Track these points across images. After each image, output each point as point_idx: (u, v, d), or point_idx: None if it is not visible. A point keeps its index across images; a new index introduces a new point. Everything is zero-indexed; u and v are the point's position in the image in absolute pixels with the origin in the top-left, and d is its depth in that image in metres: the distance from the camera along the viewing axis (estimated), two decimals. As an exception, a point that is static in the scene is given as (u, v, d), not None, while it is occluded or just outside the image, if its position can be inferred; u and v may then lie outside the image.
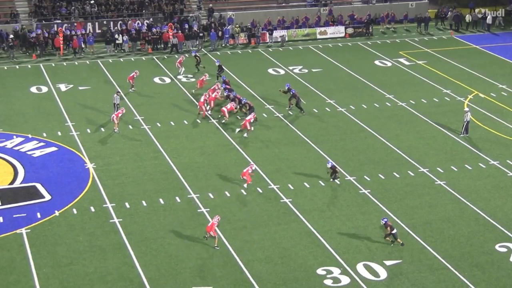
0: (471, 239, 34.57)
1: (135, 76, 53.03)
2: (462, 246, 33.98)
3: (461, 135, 45.92)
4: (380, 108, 50.80)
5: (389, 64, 61.01)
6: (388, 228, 33.70)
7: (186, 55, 62.36)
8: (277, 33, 66.78)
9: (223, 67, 55.65)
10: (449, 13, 72.29)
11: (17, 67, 59.08)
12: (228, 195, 38.34)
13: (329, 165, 39.82)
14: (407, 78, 57.43)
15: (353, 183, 39.88)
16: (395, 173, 41.05)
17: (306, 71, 58.61)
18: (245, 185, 38.79)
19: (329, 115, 49.38)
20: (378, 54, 63.50)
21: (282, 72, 58.70)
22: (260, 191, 38.75)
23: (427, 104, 51.42)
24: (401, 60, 61.83)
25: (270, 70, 59.04)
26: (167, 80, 56.09)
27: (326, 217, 36.39)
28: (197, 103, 49.50)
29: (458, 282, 31.34)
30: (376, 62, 61.55)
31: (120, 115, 45.93)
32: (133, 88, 52.82)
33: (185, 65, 57.24)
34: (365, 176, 40.60)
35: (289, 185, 39.39)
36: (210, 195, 38.39)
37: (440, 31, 71.05)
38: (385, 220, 34.08)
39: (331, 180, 39.69)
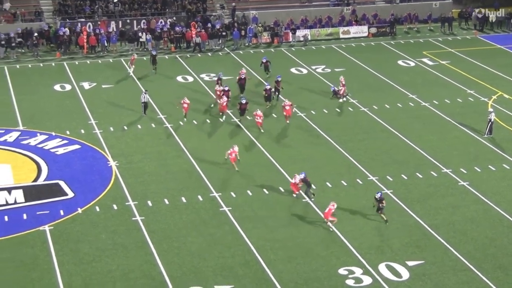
0: (494, 241, 34.33)
1: (184, 104, 47.57)
2: (485, 248, 33.76)
3: (485, 136, 45.63)
4: (403, 108, 50.59)
5: (412, 64, 60.73)
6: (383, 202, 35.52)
7: (209, 53, 62.48)
8: (300, 33, 66.68)
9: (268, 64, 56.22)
10: (473, 13, 71.83)
11: (41, 65, 59.42)
12: (250, 194, 38.32)
13: (301, 176, 37.86)
14: (430, 78, 57.15)
15: (375, 183, 39.73)
16: (418, 174, 40.86)
17: (329, 70, 58.47)
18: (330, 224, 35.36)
19: (352, 114, 49.24)
20: (401, 54, 63.23)
21: (305, 71, 58.61)
22: (282, 190, 38.68)
23: (450, 105, 51.14)
24: (425, 60, 61.52)
25: (293, 70, 58.97)
26: (190, 79, 56.17)
27: (348, 217, 36.26)
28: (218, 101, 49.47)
29: (481, 283, 31.13)
30: (399, 62, 61.30)
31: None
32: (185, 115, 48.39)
33: (208, 64, 57.22)
34: (387, 176, 40.44)
35: (312, 185, 39.27)
36: (232, 194, 38.40)
37: (464, 31, 70.64)
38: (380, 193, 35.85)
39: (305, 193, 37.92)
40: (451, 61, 60.97)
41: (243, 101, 47.46)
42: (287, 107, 47.00)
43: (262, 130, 45.63)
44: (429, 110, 50.25)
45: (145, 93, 48.64)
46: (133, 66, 56.78)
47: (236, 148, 40.76)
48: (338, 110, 49.81)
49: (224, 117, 47.92)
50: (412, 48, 65.05)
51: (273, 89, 50.49)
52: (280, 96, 51.03)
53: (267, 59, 56.28)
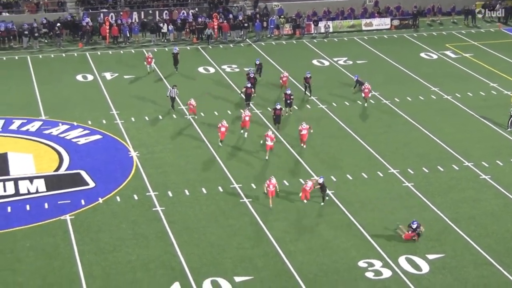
0: (515, 235, 34.18)
1: (222, 128, 42.90)
2: (506, 242, 33.57)
3: (508, 129, 45.30)
4: (425, 101, 50.35)
5: (435, 56, 60.40)
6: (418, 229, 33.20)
7: (231, 45, 62.48)
8: (322, 24, 66.47)
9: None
10: (497, 5, 71.26)
11: (64, 55, 59.70)
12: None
13: (320, 181, 36.70)
14: (453, 71, 56.81)
15: (396, 176, 39.61)
16: (439, 167, 40.67)
17: (351, 62, 58.27)
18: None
19: (373, 107, 49.06)
20: (424, 46, 62.89)
21: (326, 63, 58.46)
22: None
23: (473, 98, 50.84)
24: (447, 52, 61.15)
25: (315, 61, 58.83)
26: (212, 70, 56.19)
27: (368, 209, 36.21)
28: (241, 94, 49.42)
29: (502, 277, 30.98)
30: (422, 54, 60.98)
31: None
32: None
33: (230, 55, 56.94)
34: (408, 169, 40.30)
35: (332, 177, 39.24)
36: (253, 185, 38.42)
37: (487, 24, 70.08)
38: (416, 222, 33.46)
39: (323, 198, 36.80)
40: (474, 54, 60.56)
41: (278, 107, 44.66)
42: (304, 131, 42.11)
43: (267, 157, 41.12)
44: (452, 103, 49.98)
45: (173, 88, 48.07)
46: (150, 65, 54.64)
47: (273, 181, 36.54)
48: (360, 103, 49.63)
49: (246, 134, 44.17)
50: (435, 40, 64.68)
51: (291, 95, 47.85)
52: (309, 93, 50.26)
53: (260, 61, 53.99)
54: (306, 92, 50.65)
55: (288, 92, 47.71)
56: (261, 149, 42.36)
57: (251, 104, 48.02)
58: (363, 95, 49.05)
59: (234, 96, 50.24)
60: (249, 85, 48.55)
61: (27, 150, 42.21)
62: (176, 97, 47.83)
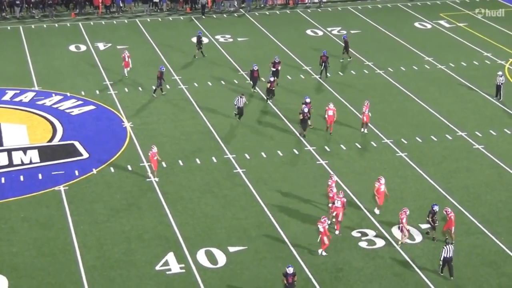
0: (508, 204, 34.26)
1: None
2: (499, 211, 33.73)
3: (501, 99, 45.30)
4: (419, 70, 50.29)
5: (429, 26, 60.23)
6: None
7: (225, 15, 62.17)
8: (316, -6, 66.21)
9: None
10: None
11: (56, 25, 59.36)
12: (264, 156, 38.35)
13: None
14: (447, 40, 56.68)
15: (390, 146, 39.66)
16: (432, 137, 40.73)
17: (345, 32, 58.03)
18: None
19: (367, 77, 49.00)
20: (418, 16, 62.67)
21: (320, 33, 58.26)
22: (297, 152, 38.71)
23: (467, 67, 50.80)
24: (442, 22, 60.98)
25: (308, 31, 58.62)
26: (205, 40, 55.93)
27: (362, 179, 36.29)
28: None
29: (494, 247, 31.15)
30: (416, 24, 60.79)
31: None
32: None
33: (223, 25, 56.60)
34: (402, 139, 40.35)
35: (326, 147, 39.30)
36: (247, 155, 38.45)
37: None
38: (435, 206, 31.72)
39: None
40: (468, 23, 60.41)
41: (306, 110, 40.11)
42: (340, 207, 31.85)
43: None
44: (445, 72, 49.94)
45: (241, 97, 42.28)
46: (128, 68, 48.58)
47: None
48: (354, 73, 49.57)
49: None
50: (429, 10, 64.45)
51: (322, 67, 47.61)
52: (328, 73, 48.64)
53: (279, 60, 47.30)
54: (327, 72, 48.27)
55: (308, 100, 41.44)
56: (254, 120, 42.28)
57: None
58: (364, 118, 40.94)
59: (228, 67, 50.04)
60: (272, 78, 44.62)
61: (21, 121, 42.12)
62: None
